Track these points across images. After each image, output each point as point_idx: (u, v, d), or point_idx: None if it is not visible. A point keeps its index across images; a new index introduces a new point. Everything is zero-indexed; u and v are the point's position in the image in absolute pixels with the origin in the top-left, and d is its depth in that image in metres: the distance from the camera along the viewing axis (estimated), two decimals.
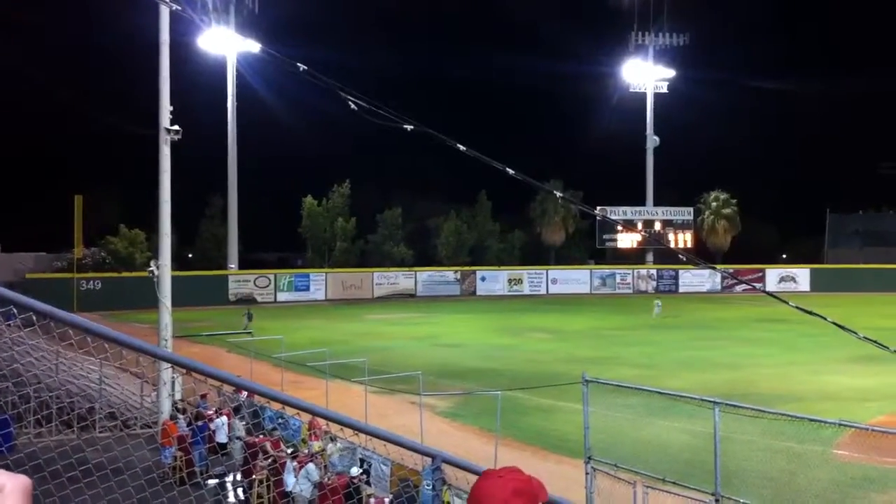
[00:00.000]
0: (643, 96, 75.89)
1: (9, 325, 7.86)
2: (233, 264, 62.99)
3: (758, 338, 38.10)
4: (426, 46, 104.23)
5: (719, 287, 67.68)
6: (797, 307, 9.21)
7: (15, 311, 3.56)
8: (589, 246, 76.41)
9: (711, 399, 12.06)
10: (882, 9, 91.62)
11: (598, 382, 14.16)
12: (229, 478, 17.02)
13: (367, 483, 14.56)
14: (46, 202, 59.96)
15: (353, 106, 7.26)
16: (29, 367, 14.56)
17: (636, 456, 14.84)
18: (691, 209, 73.95)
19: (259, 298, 59.59)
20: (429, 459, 4.67)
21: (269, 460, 14.98)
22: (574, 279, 68.96)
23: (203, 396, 19.73)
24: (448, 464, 4.59)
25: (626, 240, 73.02)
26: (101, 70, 78.86)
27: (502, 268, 69.79)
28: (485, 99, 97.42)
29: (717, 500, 11.52)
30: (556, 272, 69.90)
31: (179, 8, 10.64)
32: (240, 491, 16.24)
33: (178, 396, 19.65)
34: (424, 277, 66.60)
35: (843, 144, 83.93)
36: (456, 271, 67.79)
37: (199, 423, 17.72)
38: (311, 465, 14.23)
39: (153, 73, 20.85)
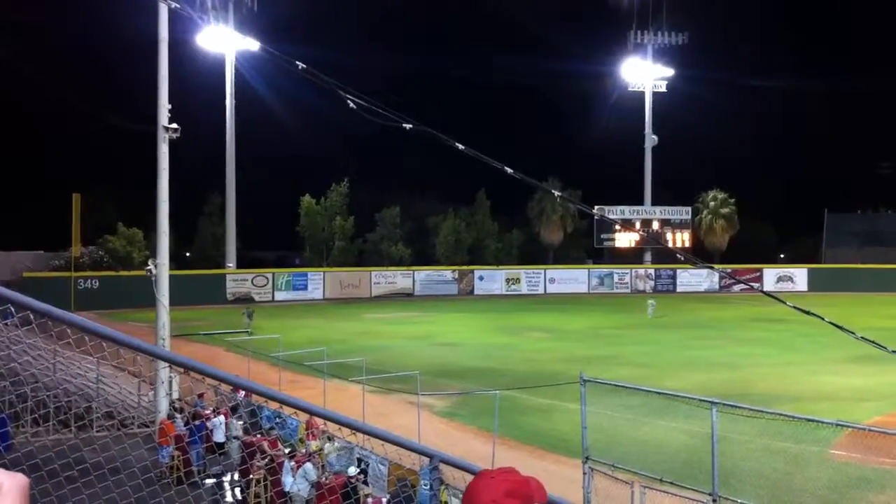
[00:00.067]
0: (642, 95, 75.76)
1: (6, 323, 7.85)
2: (231, 263, 62.88)
3: (755, 338, 38.11)
4: (425, 45, 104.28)
5: (717, 287, 67.66)
6: (795, 307, 9.21)
7: (12, 309, 3.56)
8: (587, 245, 76.37)
9: (709, 399, 12.09)
10: (881, 9, 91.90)
11: (596, 382, 14.19)
12: (227, 477, 17.02)
13: (365, 483, 14.54)
14: (44, 201, 59.81)
15: (351, 105, 7.25)
16: (26, 366, 14.52)
17: (634, 456, 14.85)
18: (689, 209, 73.86)
19: (257, 297, 59.47)
20: (426, 459, 4.67)
21: (267, 460, 14.98)
22: (572, 278, 68.93)
23: (200, 396, 19.73)
24: (446, 464, 4.59)
25: (625, 239, 72.93)
26: (100, 68, 78.87)
27: (500, 267, 69.70)
28: (483, 98, 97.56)
29: (714, 500, 11.53)
30: (554, 271, 69.87)
31: (178, 6, 10.61)
32: (237, 490, 16.26)
33: (175, 396, 19.62)
34: (422, 277, 66.55)
35: (843, 144, 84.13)
36: (454, 270, 67.76)
37: (197, 422, 17.70)
38: (308, 465, 14.22)
39: (152, 71, 20.83)
